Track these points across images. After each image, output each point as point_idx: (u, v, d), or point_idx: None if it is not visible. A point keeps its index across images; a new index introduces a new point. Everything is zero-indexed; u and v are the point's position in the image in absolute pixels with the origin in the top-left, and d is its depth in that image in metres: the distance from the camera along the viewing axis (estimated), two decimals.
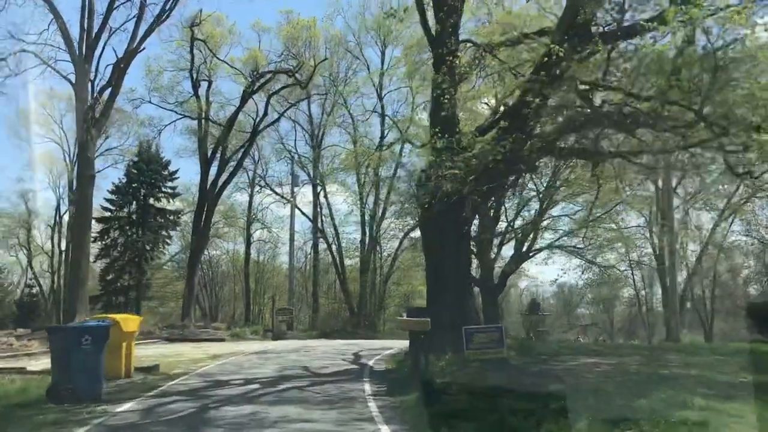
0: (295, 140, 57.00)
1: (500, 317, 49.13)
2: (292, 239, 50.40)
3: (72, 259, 43.67)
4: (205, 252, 62.92)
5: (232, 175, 50.16)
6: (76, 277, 42.01)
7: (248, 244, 60.46)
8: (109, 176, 72.76)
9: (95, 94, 41.73)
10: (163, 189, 62.33)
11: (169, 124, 48.47)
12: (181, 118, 48.46)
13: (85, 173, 42.41)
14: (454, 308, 20.85)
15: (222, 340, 38.32)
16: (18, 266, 76.28)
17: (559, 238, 46.91)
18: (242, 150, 50.22)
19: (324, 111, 56.94)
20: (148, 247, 61.06)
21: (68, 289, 42.73)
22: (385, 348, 29.35)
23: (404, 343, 33.69)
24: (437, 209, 20.87)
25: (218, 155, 49.53)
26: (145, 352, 28.27)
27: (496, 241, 48.52)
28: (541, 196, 44.60)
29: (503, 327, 18.80)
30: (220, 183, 49.57)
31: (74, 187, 43.05)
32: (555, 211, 47.00)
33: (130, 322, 18.95)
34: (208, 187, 49.06)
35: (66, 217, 68.47)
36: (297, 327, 59.11)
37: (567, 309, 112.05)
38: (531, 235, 47.49)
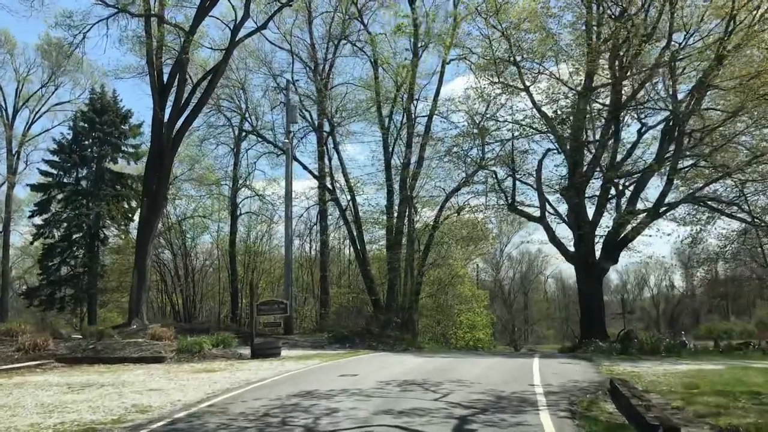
0: (293, 72, 38.07)
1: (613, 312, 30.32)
2: (288, 198, 31.69)
3: None
4: (181, 232, 44.17)
5: (198, 107, 31.30)
6: None
7: (234, 217, 41.64)
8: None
9: None
10: (123, 148, 43.69)
11: (98, 22, 29.14)
12: (115, 14, 29.21)
13: None
14: None
15: (160, 359, 19.65)
16: None
17: (709, 184, 27.93)
18: (212, 74, 31.38)
19: (330, 37, 38.16)
20: (102, 224, 42.51)
21: None
22: (513, 399, 10.75)
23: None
24: None
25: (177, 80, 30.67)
26: None
27: (586, 189, 29.76)
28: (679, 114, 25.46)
29: None
30: (181, 121, 30.74)
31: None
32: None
33: None
34: (163, 128, 30.32)
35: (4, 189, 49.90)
36: (300, 326, 40.32)
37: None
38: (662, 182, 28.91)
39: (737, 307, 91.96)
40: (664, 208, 27.59)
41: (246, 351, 21.69)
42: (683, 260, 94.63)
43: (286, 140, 32.00)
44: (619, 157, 28.06)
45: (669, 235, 37.83)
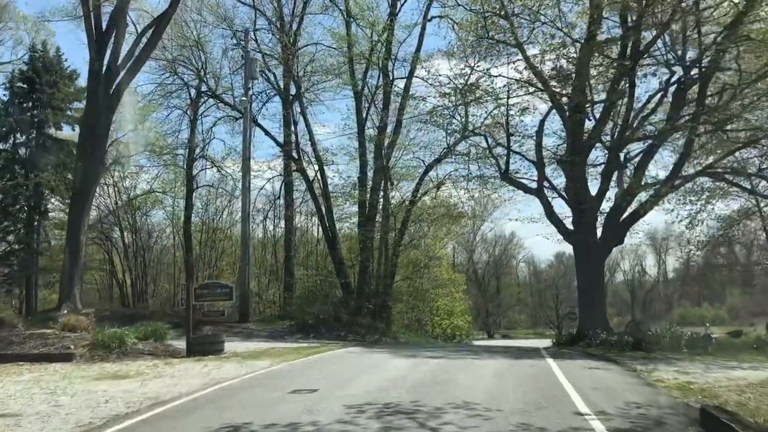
0: (255, 27, 32.95)
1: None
2: (246, 164, 26.68)
3: None
4: (130, 206, 39.08)
5: (141, 58, 26.24)
6: None
7: (189, 190, 36.51)
8: None
9: None
10: (67, 112, 38.35)
11: None
12: None
13: None
14: None
15: (67, 357, 14.89)
16: None
17: (731, 153, 23.62)
18: (158, 22, 26.39)
19: None
20: (43, 196, 37.16)
21: None
22: None
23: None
24: None
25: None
26: None
27: (592, 157, 25.51)
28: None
29: None
30: (122, 74, 25.81)
31: None
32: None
33: None
34: (101, 81, 25.35)
35: None
36: (263, 312, 35.69)
37: (557, 281, 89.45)
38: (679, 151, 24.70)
39: (709, 294, 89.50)
40: (678, 181, 23.42)
41: (183, 345, 17.01)
42: (656, 245, 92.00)
43: (244, 98, 27.10)
44: (630, 122, 23.63)
45: (671, 212, 33.37)
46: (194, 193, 37.04)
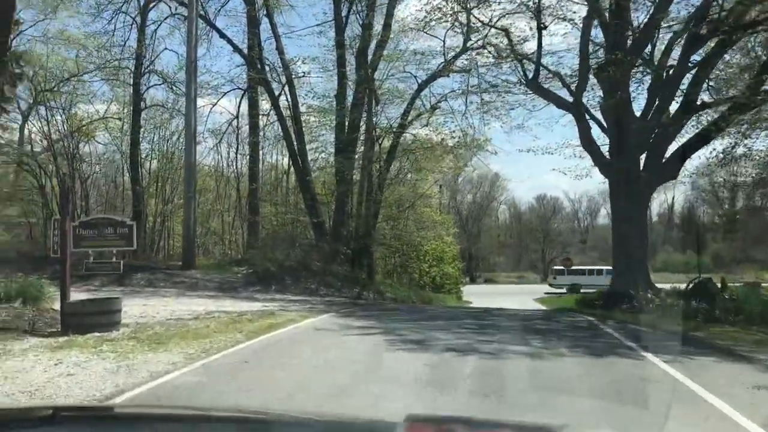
0: None
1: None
2: (191, 67, 19.98)
3: None
4: (69, 125, 32.02)
5: None
6: None
7: (137, 111, 29.53)
8: None
9: None
10: None
11: None
12: None
13: None
14: None
15: None
16: None
17: None
18: None
19: None
20: None
21: None
22: None
23: None
24: None
25: None
26: None
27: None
28: None
29: None
30: None
31: None
32: None
33: None
34: None
35: None
36: (229, 256, 29.63)
37: (544, 224, 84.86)
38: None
39: (692, 240, 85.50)
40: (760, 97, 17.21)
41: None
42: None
43: None
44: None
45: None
46: (142, 114, 30.27)
